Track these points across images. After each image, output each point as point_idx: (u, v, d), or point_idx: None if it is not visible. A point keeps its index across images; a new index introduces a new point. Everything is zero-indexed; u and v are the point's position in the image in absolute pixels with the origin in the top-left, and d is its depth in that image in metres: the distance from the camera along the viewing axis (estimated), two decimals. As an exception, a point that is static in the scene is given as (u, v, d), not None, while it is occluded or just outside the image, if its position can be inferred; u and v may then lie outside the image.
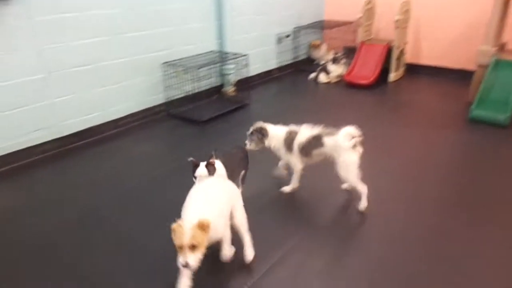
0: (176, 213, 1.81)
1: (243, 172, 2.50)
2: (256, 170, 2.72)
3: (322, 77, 5.27)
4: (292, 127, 2.61)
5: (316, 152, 2.51)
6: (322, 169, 2.61)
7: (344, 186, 2.68)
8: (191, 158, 2.22)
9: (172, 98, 4.20)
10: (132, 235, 2.32)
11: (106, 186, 2.86)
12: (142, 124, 3.98)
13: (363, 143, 2.43)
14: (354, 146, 2.37)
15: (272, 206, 2.62)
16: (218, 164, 2.25)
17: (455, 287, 1.93)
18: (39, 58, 3.15)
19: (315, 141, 2.48)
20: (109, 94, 3.70)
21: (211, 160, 2.20)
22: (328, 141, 2.44)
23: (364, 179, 2.48)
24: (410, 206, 2.57)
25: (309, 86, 5.23)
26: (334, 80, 5.27)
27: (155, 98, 4.14)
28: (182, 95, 4.22)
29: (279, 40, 5.51)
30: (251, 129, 2.65)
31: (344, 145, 2.36)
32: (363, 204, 2.48)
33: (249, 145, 2.63)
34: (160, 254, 2.13)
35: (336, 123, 2.52)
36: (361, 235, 2.36)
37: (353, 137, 2.36)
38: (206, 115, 4.03)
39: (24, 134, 3.18)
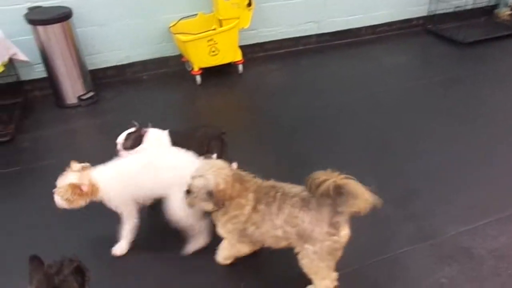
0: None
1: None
2: None
3: None
4: None
5: None
6: None
7: None
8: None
9: (435, 12, 3.89)
10: (380, 134, 2.49)
11: (356, 86, 3.06)
12: (398, 35, 3.90)
13: None
14: None
15: None
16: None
17: None
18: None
19: None
20: (373, -2, 3.72)
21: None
22: None
23: None
24: None
25: None
26: None
27: (417, 9, 3.91)
28: (448, 11, 3.85)
29: None
30: None
31: None
32: None
33: None
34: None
35: None
36: None
37: None
38: (472, 37, 3.61)
39: (297, 24, 3.59)
